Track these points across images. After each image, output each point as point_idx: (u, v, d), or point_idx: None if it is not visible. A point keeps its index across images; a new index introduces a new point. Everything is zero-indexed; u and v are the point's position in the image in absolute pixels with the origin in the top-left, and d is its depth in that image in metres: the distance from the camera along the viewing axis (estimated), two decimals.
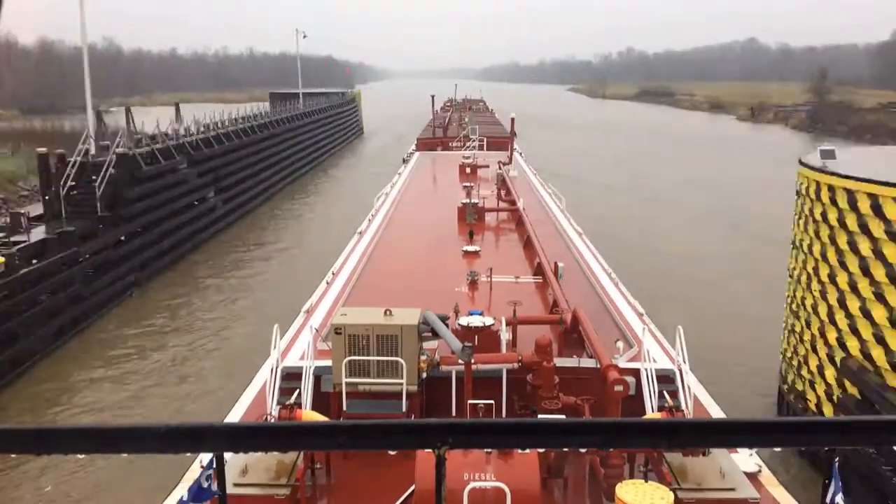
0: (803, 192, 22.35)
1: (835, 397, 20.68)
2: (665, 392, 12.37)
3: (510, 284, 19.03)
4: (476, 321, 14.03)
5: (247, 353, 24.38)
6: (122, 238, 37.23)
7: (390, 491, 10.40)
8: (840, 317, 20.40)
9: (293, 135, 76.53)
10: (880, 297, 19.17)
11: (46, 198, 35.33)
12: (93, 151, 38.74)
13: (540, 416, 11.12)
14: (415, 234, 25.71)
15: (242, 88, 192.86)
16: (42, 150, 37.80)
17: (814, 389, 21.76)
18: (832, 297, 20.64)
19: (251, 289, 38.48)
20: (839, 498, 5.33)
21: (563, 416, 10.75)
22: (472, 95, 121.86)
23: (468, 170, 38.02)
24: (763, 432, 1.88)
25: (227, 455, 8.47)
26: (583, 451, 11.21)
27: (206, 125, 54.75)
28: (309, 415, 11.52)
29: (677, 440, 1.88)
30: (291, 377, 12.92)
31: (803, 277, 22.33)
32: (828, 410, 20.78)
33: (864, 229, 19.46)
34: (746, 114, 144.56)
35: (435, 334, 12.75)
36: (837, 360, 20.58)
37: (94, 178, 36.36)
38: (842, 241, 20.19)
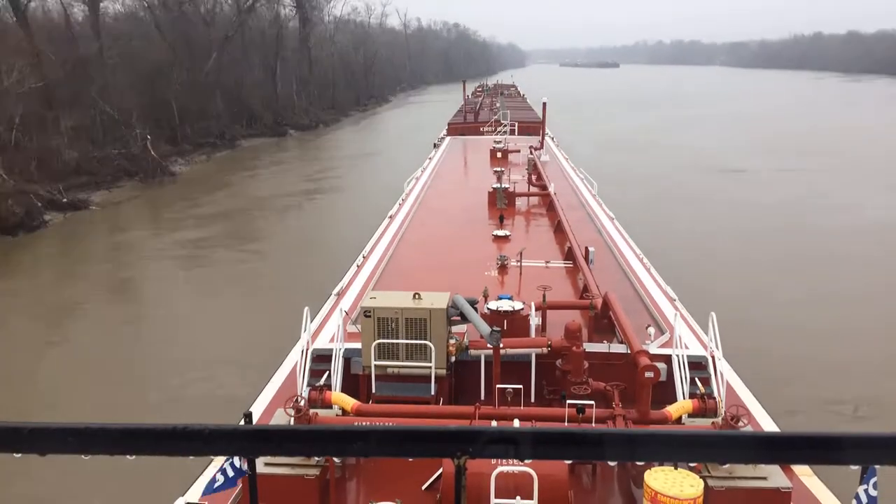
0: None
1: None
2: (697, 379, 12.22)
3: (540, 269, 18.93)
4: (505, 305, 13.98)
5: None
6: None
7: (420, 470, 10.44)
8: None
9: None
10: None
11: None
12: None
13: (569, 401, 11.05)
14: (445, 218, 25.68)
15: None
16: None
17: None
18: None
19: None
20: (871, 488, 5.17)
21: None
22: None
23: (499, 154, 37.85)
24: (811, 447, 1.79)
25: None
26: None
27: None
28: (338, 397, 11.60)
29: (725, 454, 1.81)
30: (321, 359, 13.02)
31: None
32: None
33: None
34: None
35: (464, 318, 12.74)
36: None
37: None
38: None
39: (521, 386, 11.86)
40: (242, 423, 9.84)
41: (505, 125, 49.15)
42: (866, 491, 4.80)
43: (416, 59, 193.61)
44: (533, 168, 32.02)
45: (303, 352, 12.83)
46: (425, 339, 12.44)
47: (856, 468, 1.92)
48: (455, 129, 54.38)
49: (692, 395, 11.63)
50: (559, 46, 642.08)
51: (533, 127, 48.23)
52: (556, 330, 13.32)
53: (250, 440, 1.94)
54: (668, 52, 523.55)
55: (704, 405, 11.12)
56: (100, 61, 61.16)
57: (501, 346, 12.00)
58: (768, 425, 12.11)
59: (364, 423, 10.97)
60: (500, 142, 40.01)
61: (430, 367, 12.37)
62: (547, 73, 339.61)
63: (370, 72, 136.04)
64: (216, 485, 7.92)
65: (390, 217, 26.24)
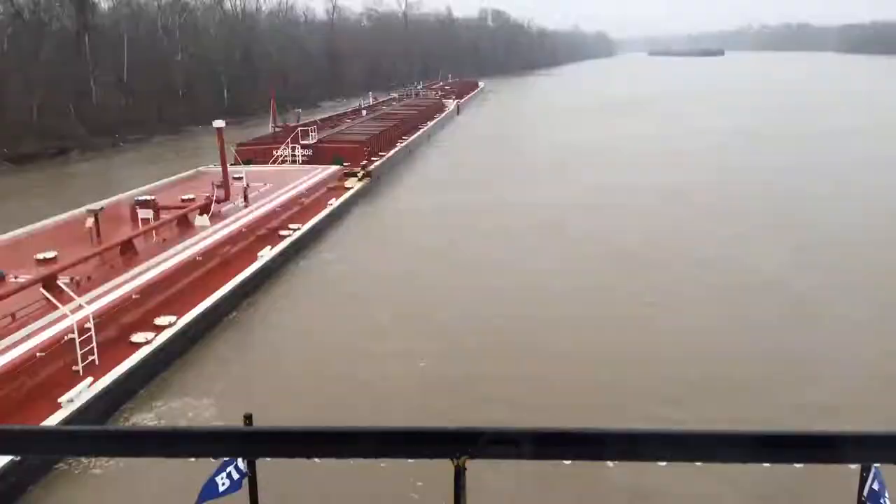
0: None
1: None
2: None
3: None
4: None
5: None
6: None
7: None
8: None
9: None
10: None
11: None
12: None
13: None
14: None
15: None
16: None
17: None
18: None
19: None
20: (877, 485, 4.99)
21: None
22: None
23: None
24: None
25: None
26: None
27: None
28: None
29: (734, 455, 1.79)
30: None
31: None
32: None
33: None
34: None
35: None
36: None
37: None
38: None
39: None
40: (242, 423, 9.81)
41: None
42: (872, 488, 4.70)
43: (429, 51, 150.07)
44: None
45: None
46: None
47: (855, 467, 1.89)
48: (244, 152, 40.11)
49: None
50: (655, 34, 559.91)
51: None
52: None
53: (247, 442, 1.94)
54: (775, 37, 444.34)
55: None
56: None
57: None
58: None
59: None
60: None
61: None
62: (634, 63, 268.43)
63: (257, 72, 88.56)
64: (221, 489, 7.82)
65: None
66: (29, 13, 66.89)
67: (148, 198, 25.58)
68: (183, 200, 27.59)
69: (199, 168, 36.89)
